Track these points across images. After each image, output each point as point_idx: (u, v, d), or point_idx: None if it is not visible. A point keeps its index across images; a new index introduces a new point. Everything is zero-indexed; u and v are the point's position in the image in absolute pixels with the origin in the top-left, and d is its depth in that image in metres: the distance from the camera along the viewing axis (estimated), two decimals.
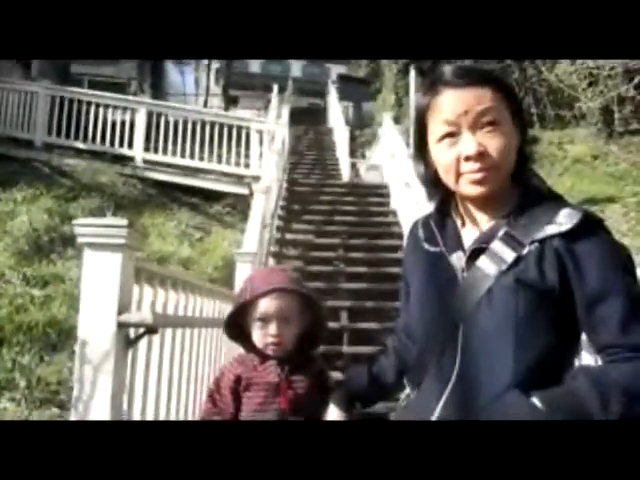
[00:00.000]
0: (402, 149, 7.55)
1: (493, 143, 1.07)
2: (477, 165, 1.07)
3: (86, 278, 1.76)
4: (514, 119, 1.12)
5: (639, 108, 9.29)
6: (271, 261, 6.13)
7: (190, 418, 2.65)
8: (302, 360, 1.62)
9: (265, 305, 1.53)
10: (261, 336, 1.55)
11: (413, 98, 10.04)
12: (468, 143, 1.07)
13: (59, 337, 4.76)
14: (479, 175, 1.08)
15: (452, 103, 1.09)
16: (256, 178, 8.11)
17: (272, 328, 1.53)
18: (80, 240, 1.75)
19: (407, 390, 1.27)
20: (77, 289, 5.11)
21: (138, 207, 7.75)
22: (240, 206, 8.62)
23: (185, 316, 2.49)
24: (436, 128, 1.12)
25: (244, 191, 8.47)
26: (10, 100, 9.26)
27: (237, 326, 1.61)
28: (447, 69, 1.13)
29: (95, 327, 1.74)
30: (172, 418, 2.40)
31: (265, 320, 1.54)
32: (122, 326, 1.75)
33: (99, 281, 1.74)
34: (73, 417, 1.75)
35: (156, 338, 2.12)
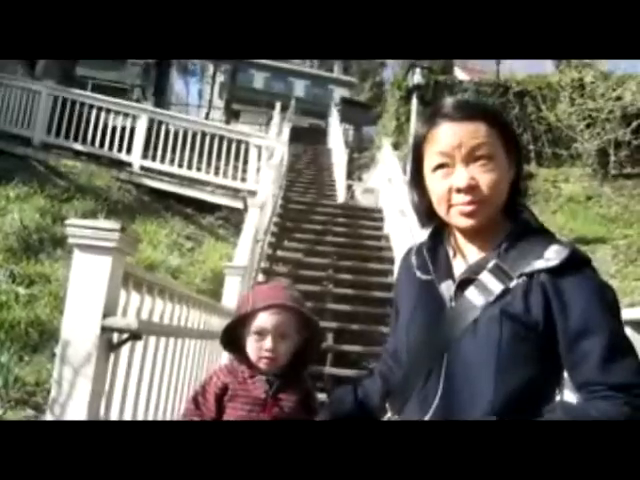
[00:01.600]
0: (399, 175, 7.60)
1: (484, 177, 1.09)
2: (468, 198, 1.09)
3: (74, 279, 1.74)
4: (508, 154, 1.14)
5: (634, 153, 9.43)
6: (260, 277, 6.11)
7: None
8: (291, 378, 1.62)
9: (263, 319, 1.55)
10: (256, 349, 1.56)
11: (414, 126, 10.15)
12: (460, 176, 1.10)
13: (41, 338, 4.69)
14: (469, 208, 1.10)
15: (447, 135, 1.12)
16: (252, 193, 8.13)
17: (268, 342, 1.55)
18: (71, 240, 1.74)
19: (388, 414, 1.27)
20: (63, 290, 5.08)
21: (131, 213, 7.73)
22: (234, 219, 8.62)
23: (170, 325, 2.47)
24: (431, 158, 1.15)
25: (239, 205, 8.48)
26: (12, 97, 9.28)
27: (233, 336, 1.62)
28: (447, 102, 1.16)
29: (78, 329, 1.72)
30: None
31: (261, 334, 1.55)
32: (106, 330, 1.74)
33: (86, 283, 1.73)
34: (48, 419, 1.73)
35: (139, 345, 2.10)
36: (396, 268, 6.95)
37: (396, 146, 10.33)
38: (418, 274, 1.22)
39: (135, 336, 1.82)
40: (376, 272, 6.98)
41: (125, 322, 1.75)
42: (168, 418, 2.62)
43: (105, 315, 1.73)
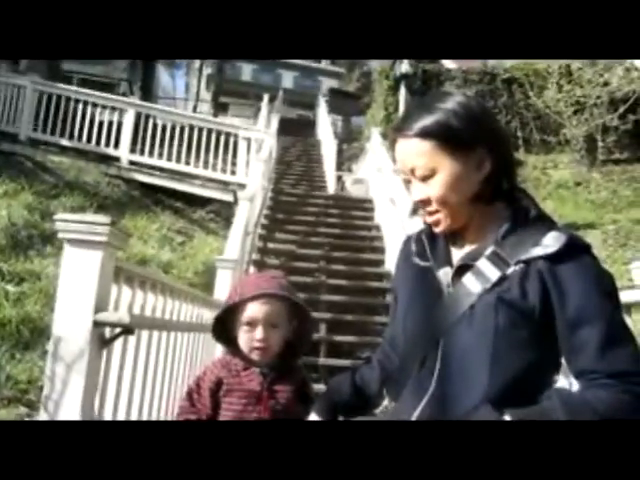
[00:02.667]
0: (388, 164, 7.59)
1: (432, 191, 1.12)
2: (427, 209, 1.14)
3: (64, 274, 1.73)
4: (468, 154, 1.10)
5: (622, 138, 9.47)
6: (252, 269, 6.10)
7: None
8: (285, 369, 1.61)
9: (253, 309, 1.53)
10: (247, 340, 1.55)
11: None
12: (415, 190, 1.15)
13: (32, 335, 4.66)
14: (431, 218, 1.15)
15: (400, 154, 1.15)
16: (242, 185, 8.09)
17: (259, 333, 1.53)
18: (61, 235, 1.73)
19: (385, 401, 1.27)
20: (53, 287, 5.04)
21: (121, 208, 7.67)
22: (224, 213, 8.58)
23: (162, 319, 2.46)
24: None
25: (229, 198, 8.44)
26: None
27: (224, 329, 1.61)
28: (401, 117, 1.18)
29: (70, 324, 1.71)
30: (144, 420, 2.36)
31: (252, 324, 1.54)
32: (98, 325, 1.72)
33: (77, 278, 1.71)
34: (42, 416, 1.72)
35: (132, 340, 2.08)
36: (387, 257, 6.98)
37: (385, 136, 10.31)
38: (416, 261, 1.22)
39: (127, 330, 1.80)
40: (368, 262, 6.99)
41: (117, 316, 1.74)
42: (162, 413, 2.61)
43: (97, 310, 1.71)
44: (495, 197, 1.15)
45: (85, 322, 1.70)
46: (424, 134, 1.10)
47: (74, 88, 9.90)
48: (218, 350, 3.86)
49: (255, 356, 1.57)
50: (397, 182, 6.52)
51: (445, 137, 1.10)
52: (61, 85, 9.45)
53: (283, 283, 1.62)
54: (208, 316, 3.29)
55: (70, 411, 1.68)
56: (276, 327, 1.57)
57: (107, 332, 1.80)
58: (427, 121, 1.10)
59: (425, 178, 1.11)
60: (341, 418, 1.41)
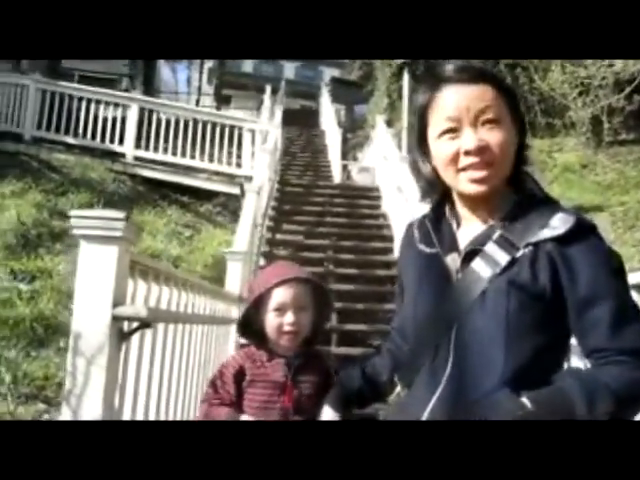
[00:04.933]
0: (394, 152, 7.58)
1: (493, 139, 1.08)
2: (477, 159, 1.08)
3: (81, 270, 1.74)
4: (513, 119, 1.13)
5: (628, 119, 9.39)
6: (262, 261, 6.11)
7: (179, 412, 2.64)
8: (309, 359, 1.63)
9: (281, 294, 1.55)
10: (277, 325, 1.56)
11: (407, 102, 10.10)
12: (469, 138, 1.08)
13: (46, 332, 4.71)
14: (479, 173, 1.09)
15: (453, 99, 1.10)
16: (248, 178, 8.10)
17: (289, 317, 1.55)
18: (76, 232, 1.74)
19: (397, 389, 1.28)
20: (65, 284, 5.09)
21: (128, 204, 7.69)
22: (231, 206, 8.60)
23: (178, 312, 2.48)
24: (437, 124, 1.13)
25: (235, 191, 8.45)
26: None
27: (247, 322, 1.62)
28: (448, 67, 1.14)
29: (89, 320, 1.72)
30: (162, 413, 2.39)
31: (281, 310, 1.55)
32: (117, 319, 1.74)
33: (94, 273, 1.73)
34: (65, 411, 1.74)
35: (149, 333, 2.10)
36: (396, 246, 6.98)
37: (389, 123, 10.28)
38: (421, 247, 1.21)
39: (145, 324, 1.82)
40: (376, 250, 7.00)
41: (135, 310, 1.75)
42: (180, 406, 2.64)
43: (115, 304, 1.73)
44: (514, 176, 1.15)
45: (104, 317, 1.71)
46: (492, 82, 1.11)
47: (77, 86, 9.90)
48: (231, 342, 3.89)
49: (285, 341, 1.58)
50: (404, 170, 6.51)
51: (508, 93, 1.13)
52: (64, 83, 9.46)
53: (302, 269, 1.65)
54: (221, 308, 3.31)
55: (92, 405, 1.70)
56: (304, 310, 1.59)
57: (125, 326, 1.82)
58: (493, 73, 1.14)
59: (490, 123, 1.09)
60: (354, 408, 1.43)
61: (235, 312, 3.86)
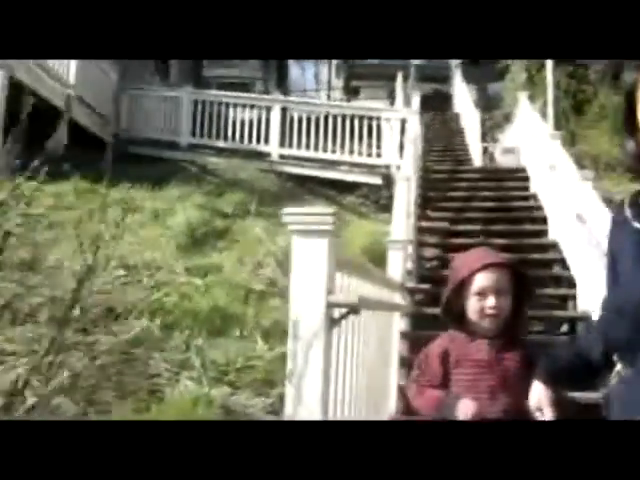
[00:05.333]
0: (543, 129, 7.23)
1: None
2: None
3: (296, 262, 1.91)
4: None
5: None
6: (410, 249, 6.15)
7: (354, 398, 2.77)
8: (511, 337, 1.67)
9: (483, 279, 1.62)
10: (479, 309, 1.63)
11: (550, 75, 9.57)
12: None
13: (222, 322, 5.13)
14: None
15: None
16: (388, 167, 8.17)
17: (491, 300, 1.61)
18: (290, 228, 1.92)
19: (617, 367, 1.27)
20: (234, 278, 5.51)
21: (278, 200, 8.11)
22: (372, 196, 8.73)
23: (382, 301, 2.60)
24: None
25: (377, 181, 8.57)
26: (154, 106, 10.06)
27: (449, 306, 1.71)
28: None
29: (306, 307, 1.89)
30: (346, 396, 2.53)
31: (483, 293, 1.62)
32: (330, 306, 1.89)
33: (308, 265, 1.89)
34: (288, 390, 1.92)
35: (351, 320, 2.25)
36: (550, 228, 6.66)
37: (531, 99, 9.80)
38: (636, 225, 1.19)
39: (354, 310, 1.96)
40: (529, 234, 6.73)
41: (347, 298, 1.90)
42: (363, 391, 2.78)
43: (327, 293, 1.88)
44: None
45: (319, 304, 1.87)
46: None
47: (224, 93, 10.59)
48: (395, 329, 3.99)
49: (487, 324, 1.64)
50: (556, 147, 6.20)
51: None
52: (213, 91, 10.19)
53: (501, 255, 1.69)
54: (396, 297, 3.41)
55: (313, 384, 1.87)
56: (504, 294, 1.64)
57: (336, 313, 1.97)
58: None
59: None
60: (566, 386, 1.43)
61: (398, 300, 3.96)
